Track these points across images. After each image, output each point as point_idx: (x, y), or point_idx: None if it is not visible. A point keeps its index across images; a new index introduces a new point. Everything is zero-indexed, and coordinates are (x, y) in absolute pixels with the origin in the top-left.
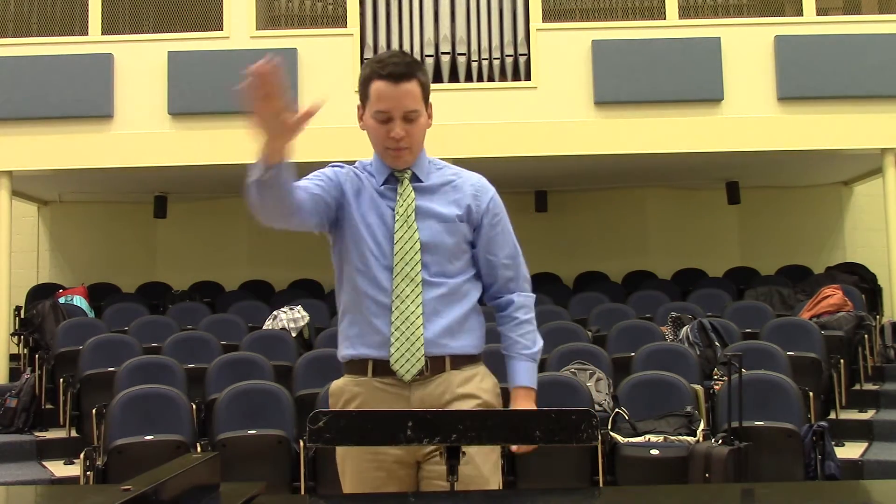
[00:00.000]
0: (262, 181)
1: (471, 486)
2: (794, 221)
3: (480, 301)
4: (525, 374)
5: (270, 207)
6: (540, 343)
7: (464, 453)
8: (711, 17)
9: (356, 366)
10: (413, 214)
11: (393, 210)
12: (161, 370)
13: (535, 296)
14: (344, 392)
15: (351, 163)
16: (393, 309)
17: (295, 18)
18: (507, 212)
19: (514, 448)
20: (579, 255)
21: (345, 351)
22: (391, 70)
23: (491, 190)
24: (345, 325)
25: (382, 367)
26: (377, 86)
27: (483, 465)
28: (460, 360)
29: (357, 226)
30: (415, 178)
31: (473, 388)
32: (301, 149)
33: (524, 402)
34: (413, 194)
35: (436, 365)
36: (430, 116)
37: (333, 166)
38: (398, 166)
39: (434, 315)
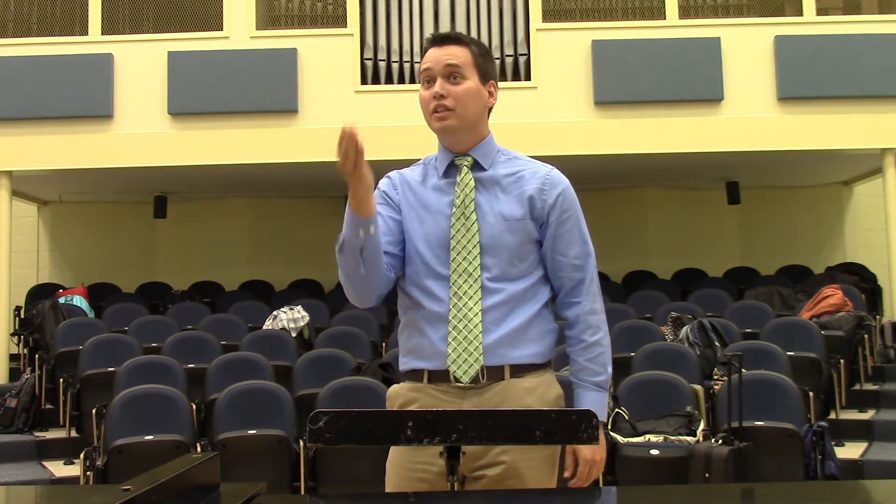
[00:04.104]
0: (364, 246)
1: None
2: (794, 221)
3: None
4: (592, 406)
5: (371, 274)
6: (610, 368)
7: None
8: (711, 17)
9: (413, 374)
10: (472, 206)
11: (451, 205)
12: (161, 370)
13: (603, 308)
14: (399, 396)
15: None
16: (451, 307)
17: (295, 18)
18: None
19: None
20: None
21: (403, 366)
22: (438, 34)
23: (561, 183)
24: (403, 338)
25: (438, 375)
26: (426, 52)
27: (533, 480)
28: (522, 369)
29: (411, 232)
30: (477, 167)
31: (534, 401)
32: (305, 148)
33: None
34: (472, 184)
35: (493, 373)
36: (491, 94)
37: (380, 186)
38: (444, 131)
39: (492, 324)
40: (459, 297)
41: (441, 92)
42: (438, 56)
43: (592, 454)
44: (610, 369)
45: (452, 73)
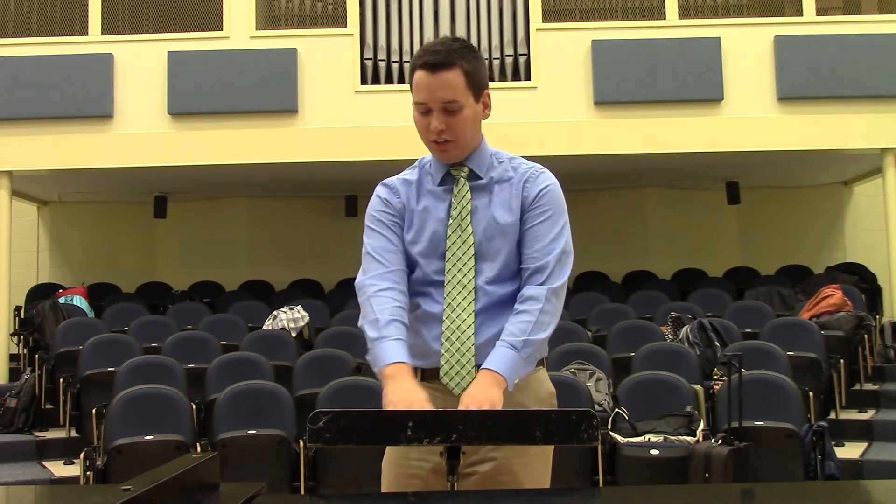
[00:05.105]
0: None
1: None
2: (794, 221)
3: None
4: (494, 358)
5: None
6: (535, 335)
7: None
8: (711, 17)
9: None
10: (468, 218)
11: (447, 213)
12: (161, 370)
13: (556, 307)
14: None
15: (406, 163)
16: (444, 318)
17: (295, 18)
18: None
19: None
20: (579, 255)
21: None
22: (427, 59)
23: (545, 182)
24: None
25: (430, 373)
26: (417, 76)
27: (526, 476)
28: None
29: (409, 237)
30: (473, 176)
31: (527, 399)
32: (305, 148)
33: (478, 385)
34: (469, 196)
35: None
36: (486, 106)
37: (380, 195)
38: (445, 161)
39: (483, 325)
40: (451, 304)
41: (441, 127)
42: (432, 87)
43: (474, 394)
44: (537, 336)
45: (449, 107)
